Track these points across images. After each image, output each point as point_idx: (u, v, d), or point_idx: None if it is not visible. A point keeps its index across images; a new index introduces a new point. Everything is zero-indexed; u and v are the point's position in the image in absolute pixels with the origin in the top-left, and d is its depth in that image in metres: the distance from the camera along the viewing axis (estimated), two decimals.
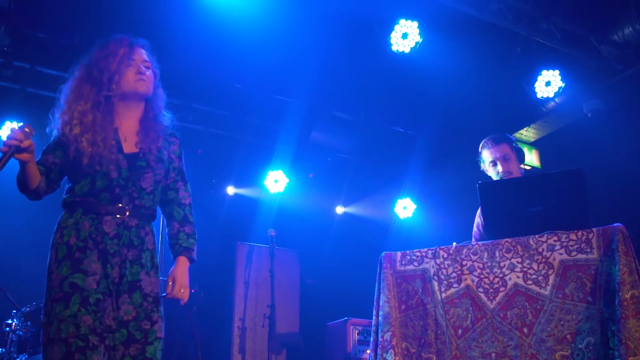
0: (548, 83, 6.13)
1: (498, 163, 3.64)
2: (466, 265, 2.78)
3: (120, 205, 2.56)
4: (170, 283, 2.62)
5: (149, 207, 2.67)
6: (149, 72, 2.75)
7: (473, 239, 3.68)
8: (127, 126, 2.71)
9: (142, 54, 2.77)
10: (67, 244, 2.50)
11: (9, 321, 4.39)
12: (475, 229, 3.73)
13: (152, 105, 2.79)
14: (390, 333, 2.81)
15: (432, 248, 2.90)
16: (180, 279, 2.63)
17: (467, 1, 5.42)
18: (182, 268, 2.67)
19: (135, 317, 2.48)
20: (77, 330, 2.34)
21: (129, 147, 2.66)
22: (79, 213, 2.55)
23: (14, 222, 5.78)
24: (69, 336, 2.33)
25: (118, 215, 2.55)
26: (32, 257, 5.66)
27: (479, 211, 3.68)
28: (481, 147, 3.77)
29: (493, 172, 3.69)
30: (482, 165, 3.80)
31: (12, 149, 2.43)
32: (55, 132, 2.78)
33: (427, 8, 5.57)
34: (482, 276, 2.73)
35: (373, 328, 2.92)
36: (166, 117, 2.84)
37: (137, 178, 2.62)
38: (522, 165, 3.77)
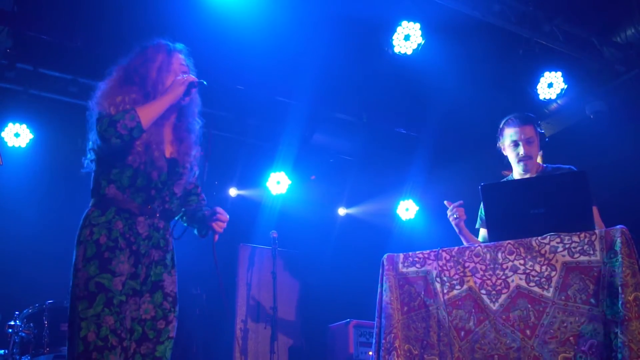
0: (550, 85, 6.13)
1: (520, 145, 3.44)
2: (469, 267, 2.78)
3: (152, 206, 2.60)
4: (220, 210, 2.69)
5: (174, 211, 2.75)
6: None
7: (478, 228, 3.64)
8: (167, 133, 2.75)
9: (180, 59, 2.83)
10: (97, 242, 2.47)
11: (12, 322, 4.39)
12: (478, 220, 3.67)
13: (186, 111, 2.85)
14: (392, 335, 2.81)
15: (434, 250, 2.90)
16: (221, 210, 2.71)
17: (469, 3, 5.42)
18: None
19: (153, 317, 2.54)
20: (98, 330, 2.35)
21: (169, 152, 2.72)
22: (112, 211, 2.52)
23: (15, 224, 5.79)
24: (88, 334, 2.34)
25: (150, 217, 2.59)
26: (35, 258, 5.70)
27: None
28: (503, 124, 3.55)
29: (512, 153, 3.50)
30: (499, 143, 3.60)
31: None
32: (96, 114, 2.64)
33: (429, 10, 5.56)
34: (484, 278, 2.73)
35: (375, 330, 2.91)
36: (197, 124, 2.92)
37: (172, 183, 2.68)
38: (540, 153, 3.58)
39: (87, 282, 2.41)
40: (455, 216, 3.28)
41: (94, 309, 2.36)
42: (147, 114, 2.53)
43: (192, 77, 2.73)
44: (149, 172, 2.57)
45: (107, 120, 2.48)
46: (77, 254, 2.49)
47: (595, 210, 3.31)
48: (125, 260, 2.48)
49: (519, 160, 3.47)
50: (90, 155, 2.67)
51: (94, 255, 2.44)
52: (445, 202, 3.31)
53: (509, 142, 3.50)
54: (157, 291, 2.58)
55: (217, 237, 2.72)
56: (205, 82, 2.73)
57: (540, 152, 3.59)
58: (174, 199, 2.69)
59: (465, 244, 3.36)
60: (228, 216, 2.70)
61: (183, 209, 2.88)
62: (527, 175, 3.48)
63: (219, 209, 2.70)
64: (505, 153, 3.58)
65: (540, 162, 3.59)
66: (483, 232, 3.58)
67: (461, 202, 3.30)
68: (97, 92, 2.69)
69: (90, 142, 2.66)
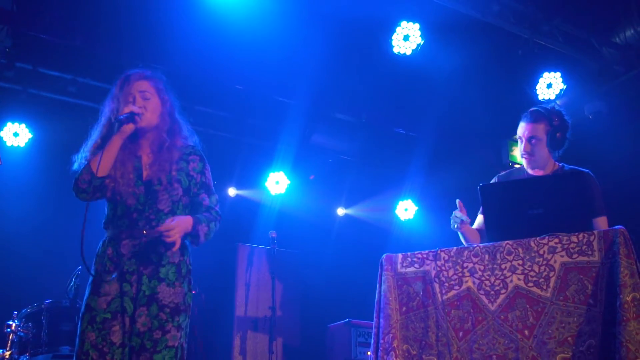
0: (549, 85, 6.13)
1: (522, 141, 3.49)
2: (467, 267, 2.78)
3: (137, 229, 2.75)
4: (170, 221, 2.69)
5: None
6: (146, 102, 2.87)
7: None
8: (146, 154, 2.90)
9: (141, 85, 2.90)
10: (96, 271, 2.76)
11: (10, 322, 4.38)
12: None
13: (159, 133, 2.92)
14: (391, 335, 2.81)
15: (433, 250, 2.90)
16: (177, 220, 2.69)
17: (468, 3, 5.42)
18: (184, 218, 2.76)
19: (150, 328, 2.66)
20: (82, 345, 2.62)
21: (145, 175, 2.85)
22: (106, 242, 2.79)
23: (14, 224, 5.79)
24: (77, 350, 2.63)
25: (135, 238, 2.74)
26: (34, 258, 5.70)
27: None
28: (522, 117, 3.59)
29: (520, 147, 3.55)
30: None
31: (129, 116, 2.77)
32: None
33: (428, 10, 5.57)
34: (483, 278, 2.73)
35: (374, 330, 2.91)
36: (183, 138, 2.99)
37: (154, 201, 2.79)
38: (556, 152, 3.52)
39: (83, 304, 2.73)
40: (456, 226, 3.29)
41: (81, 326, 2.66)
42: (98, 162, 2.73)
43: (126, 110, 2.78)
44: (124, 200, 2.78)
45: (74, 181, 2.79)
46: None
47: (604, 220, 3.31)
48: (113, 282, 2.69)
49: (522, 156, 3.55)
50: None
51: (91, 282, 2.75)
52: (457, 200, 3.32)
53: (518, 137, 3.56)
54: (152, 304, 2.68)
55: (175, 248, 2.71)
56: (123, 118, 2.77)
57: (556, 152, 3.54)
58: (161, 215, 2.78)
59: (464, 243, 3.36)
60: (171, 226, 2.65)
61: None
62: (535, 171, 3.53)
63: (161, 225, 2.68)
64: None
65: (556, 162, 3.58)
66: (479, 219, 3.58)
67: (468, 220, 3.31)
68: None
69: None
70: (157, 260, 2.74)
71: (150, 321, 2.65)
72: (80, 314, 2.72)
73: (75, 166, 2.87)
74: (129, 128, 2.77)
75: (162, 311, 2.68)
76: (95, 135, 2.92)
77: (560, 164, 3.58)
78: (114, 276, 2.69)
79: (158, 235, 2.69)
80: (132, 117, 2.77)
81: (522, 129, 3.51)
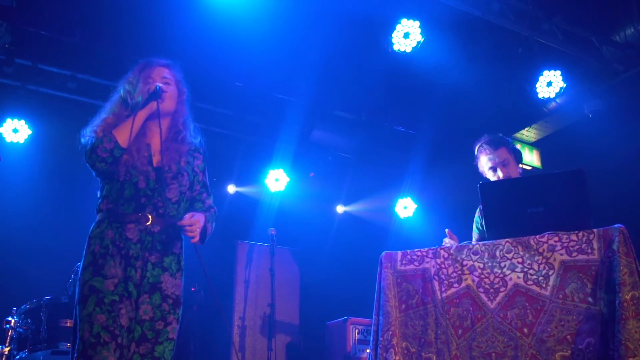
0: (549, 83, 6.13)
1: (498, 169, 3.58)
2: (467, 265, 2.79)
3: (142, 213, 2.71)
4: (190, 216, 2.71)
5: (173, 216, 2.79)
6: (166, 87, 2.89)
7: (473, 239, 3.66)
8: (156, 143, 2.86)
9: (162, 72, 2.94)
10: (92, 252, 2.66)
11: (9, 318, 4.38)
12: (474, 227, 3.71)
13: (174, 122, 2.95)
14: (390, 332, 2.81)
15: (432, 248, 2.91)
16: (197, 216, 2.73)
17: (468, 1, 5.41)
18: (200, 215, 2.79)
19: (152, 317, 2.64)
20: (91, 328, 2.50)
21: (156, 161, 2.82)
22: (105, 223, 2.71)
23: (13, 220, 5.79)
24: (84, 333, 2.51)
25: (141, 224, 2.69)
26: (33, 254, 5.70)
27: (477, 210, 3.67)
28: (477, 151, 3.69)
29: (492, 177, 3.63)
30: (479, 168, 3.73)
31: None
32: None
33: (428, 8, 5.56)
34: (482, 276, 2.73)
35: (373, 327, 2.92)
36: (192, 134, 3.02)
37: (163, 189, 2.76)
38: (520, 165, 3.71)
39: (83, 286, 2.60)
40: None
41: (86, 309, 2.54)
42: (122, 132, 2.71)
43: (153, 87, 2.83)
44: (135, 182, 2.73)
45: (89, 149, 2.71)
46: (80, 266, 2.69)
47: None
48: (116, 265, 2.62)
49: None
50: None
51: (89, 263, 2.64)
52: (446, 230, 3.33)
53: (487, 168, 3.63)
54: (155, 292, 2.66)
55: (194, 240, 2.74)
56: (159, 87, 2.82)
57: (520, 165, 3.70)
58: (168, 204, 2.77)
59: None
60: (194, 221, 2.70)
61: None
62: None
63: (184, 219, 2.70)
64: (486, 177, 3.69)
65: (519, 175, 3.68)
66: (475, 235, 3.61)
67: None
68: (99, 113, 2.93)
69: None
70: (162, 249, 2.73)
71: (152, 310, 2.63)
72: (80, 297, 2.60)
73: (84, 140, 2.80)
74: (154, 104, 2.77)
75: (165, 302, 2.67)
76: (105, 113, 2.88)
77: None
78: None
79: (168, 224, 2.72)
80: (160, 93, 2.79)
81: (491, 159, 3.59)
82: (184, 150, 2.91)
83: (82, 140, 2.82)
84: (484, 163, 3.64)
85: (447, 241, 3.25)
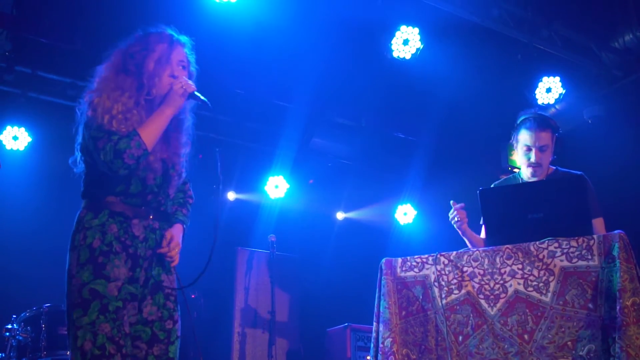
0: (549, 89, 6.14)
1: (533, 151, 3.35)
2: (467, 271, 2.78)
3: (145, 208, 2.50)
4: (168, 238, 2.54)
5: (169, 212, 2.66)
6: (182, 72, 2.66)
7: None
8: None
9: (182, 53, 2.71)
10: (90, 246, 2.37)
11: (9, 326, 4.37)
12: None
13: (184, 108, 2.70)
14: (390, 339, 2.81)
15: (432, 254, 2.90)
16: (177, 238, 2.57)
17: (468, 8, 5.43)
18: (178, 230, 2.63)
19: (160, 317, 2.48)
20: (94, 339, 2.27)
21: (164, 157, 2.60)
22: (105, 214, 2.43)
23: (13, 227, 5.78)
24: (84, 343, 2.27)
25: (144, 219, 2.49)
26: (33, 262, 5.69)
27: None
28: (520, 123, 3.42)
29: (522, 157, 3.42)
30: (512, 141, 3.49)
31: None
32: (87, 117, 2.48)
33: (428, 14, 5.58)
34: (482, 282, 2.73)
35: (373, 334, 2.91)
36: (189, 121, 2.78)
37: (167, 185, 2.59)
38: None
39: (81, 288, 2.32)
40: (456, 219, 3.26)
41: (88, 316, 2.29)
42: (151, 135, 2.43)
43: (192, 87, 2.59)
44: (144, 177, 2.49)
45: (112, 152, 2.35)
46: (70, 260, 2.40)
47: (600, 221, 3.31)
48: (121, 265, 2.39)
49: (529, 165, 3.41)
50: (80, 155, 2.55)
51: (88, 261, 2.35)
52: (451, 201, 3.26)
53: (522, 144, 3.41)
54: (158, 292, 2.51)
55: (174, 264, 2.60)
56: (207, 100, 2.60)
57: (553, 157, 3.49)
58: (167, 201, 2.62)
59: (469, 245, 3.35)
60: (173, 246, 2.53)
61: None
62: (534, 179, 3.43)
63: (163, 246, 2.51)
64: (515, 147, 3.50)
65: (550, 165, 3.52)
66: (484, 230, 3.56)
67: (462, 204, 3.26)
68: (94, 80, 2.58)
69: (81, 138, 2.52)
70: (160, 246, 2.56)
71: (158, 310, 2.48)
72: (78, 300, 2.32)
73: (102, 120, 2.40)
74: (182, 102, 2.53)
75: (168, 300, 2.53)
76: (119, 90, 2.51)
77: (553, 167, 3.54)
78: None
79: (164, 221, 2.58)
80: (200, 101, 2.59)
81: (531, 137, 3.36)
82: (183, 140, 2.70)
83: (90, 112, 2.44)
84: (522, 139, 3.39)
85: (453, 213, 3.20)
